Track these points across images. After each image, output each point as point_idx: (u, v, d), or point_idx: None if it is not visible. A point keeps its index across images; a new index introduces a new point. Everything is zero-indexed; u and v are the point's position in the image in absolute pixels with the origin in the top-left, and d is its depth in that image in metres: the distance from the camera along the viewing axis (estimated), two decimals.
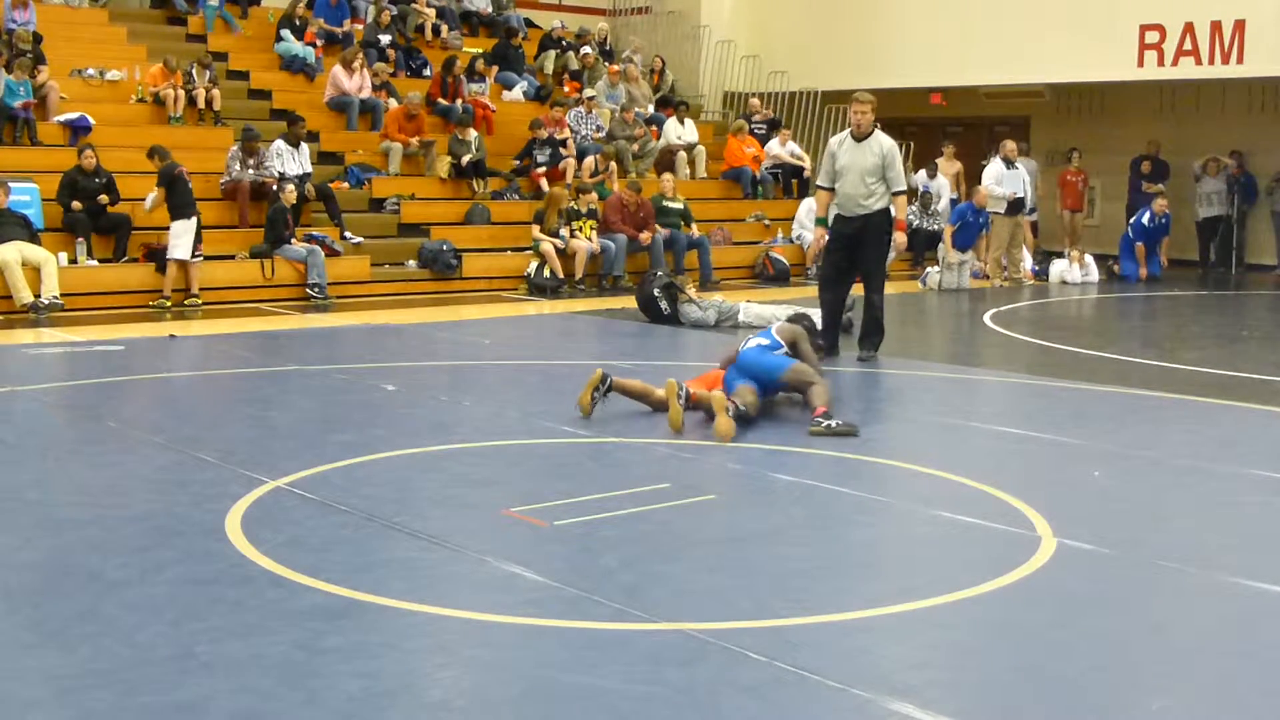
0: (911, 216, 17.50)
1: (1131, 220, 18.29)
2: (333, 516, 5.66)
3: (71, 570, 4.91)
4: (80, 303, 12.77)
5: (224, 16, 18.47)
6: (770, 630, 4.33)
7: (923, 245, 17.88)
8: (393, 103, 17.40)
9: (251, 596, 4.61)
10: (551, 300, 14.58)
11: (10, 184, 13.08)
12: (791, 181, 19.51)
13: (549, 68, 20.45)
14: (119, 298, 13.13)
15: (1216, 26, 17.50)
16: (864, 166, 10.18)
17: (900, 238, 10.76)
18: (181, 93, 15.94)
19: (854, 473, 6.64)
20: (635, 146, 18.29)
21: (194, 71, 16.22)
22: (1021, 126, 21.35)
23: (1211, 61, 17.64)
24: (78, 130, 14.84)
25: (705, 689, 3.86)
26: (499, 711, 3.78)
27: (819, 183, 10.70)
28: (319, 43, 18.27)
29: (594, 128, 18.37)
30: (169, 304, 13.09)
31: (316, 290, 13.92)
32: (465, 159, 16.50)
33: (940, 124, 21.72)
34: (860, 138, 10.28)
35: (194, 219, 13.19)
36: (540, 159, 16.94)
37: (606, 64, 20.49)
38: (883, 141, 10.29)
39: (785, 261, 17.33)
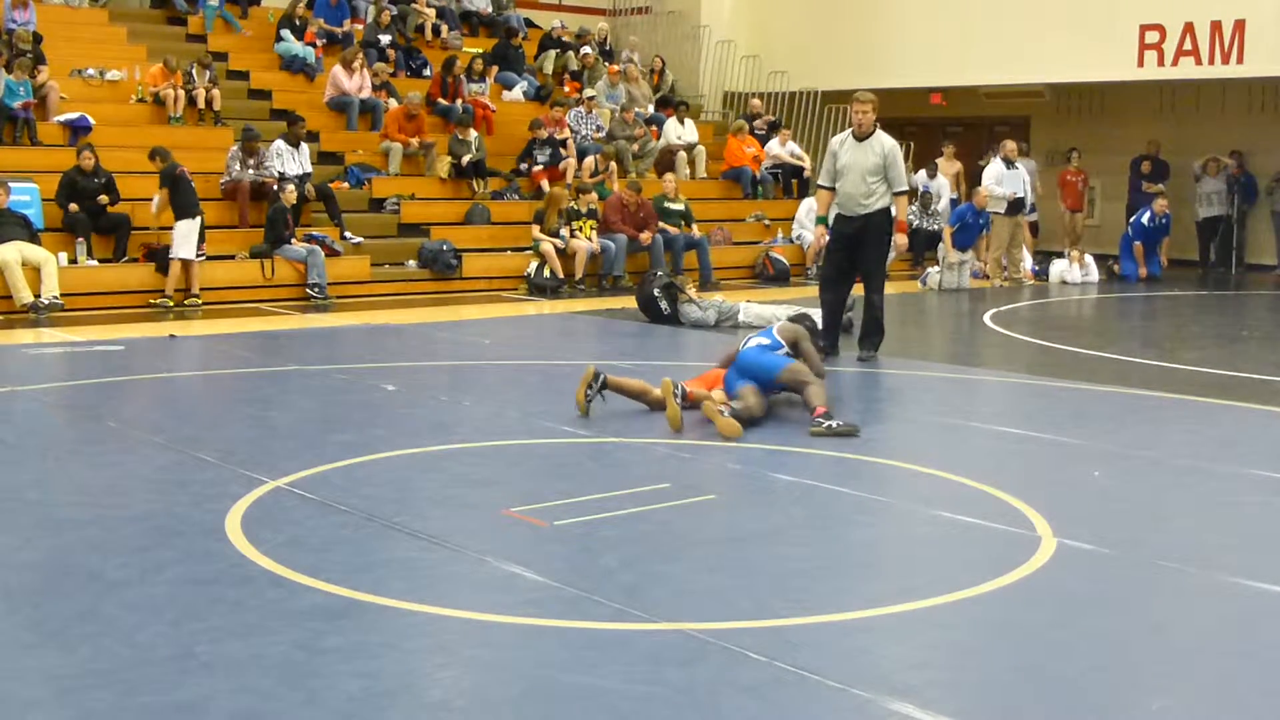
0: (911, 217, 17.49)
1: (1131, 220, 18.29)
2: (333, 516, 5.66)
3: (71, 570, 4.91)
4: (80, 303, 12.77)
5: (224, 16, 18.48)
6: (770, 630, 4.33)
7: (923, 245, 17.88)
8: (393, 103, 17.40)
9: (251, 596, 4.61)
10: (551, 300, 14.58)
11: (10, 184, 13.08)
12: (791, 181, 19.51)
13: (549, 68, 20.45)
14: (119, 298, 13.14)
15: (1216, 26, 17.50)
16: (865, 166, 10.18)
17: (901, 238, 10.77)
18: (181, 93, 15.94)
19: (854, 473, 6.64)
20: (635, 146, 18.29)
21: (194, 71, 16.22)
22: (1021, 126, 21.35)
23: (1211, 61, 17.64)
24: (78, 130, 14.84)
25: (705, 689, 3.86)
26: (499, 711, 3.78)
27: (820, 182, 10.70)
28: (319, 43, 18.27)
29: (594, 128, 18.38)
30: (171, 303, 13.10)
31: (316, 290, 13.93)
32: (465, 159, 16.50)
33: (940, 124, 21.72)
34: (862, 137, 10.29)
35: (198, 218, 13.22)
36: (540, 159, 16.95)
37: (606, 64, 20.49)
38: (884, 141, 10.29)
39: (785, 261, 17.33)
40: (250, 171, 14.71)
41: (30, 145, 14.63)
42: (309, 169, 15.23)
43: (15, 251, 12.55)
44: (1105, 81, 19.47)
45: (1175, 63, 17.97)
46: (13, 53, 15.03)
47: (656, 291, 12.55)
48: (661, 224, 16.25)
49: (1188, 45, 17.79)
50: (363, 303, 14.07)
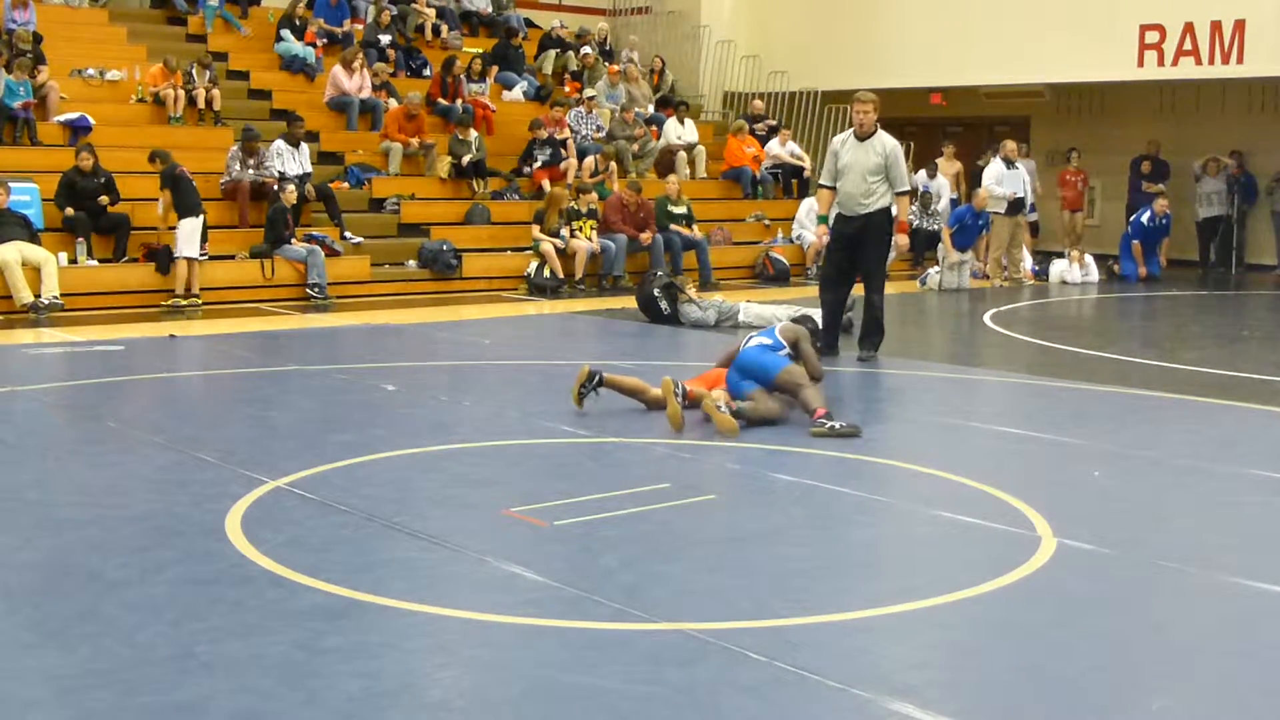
0: (912, 217, 17.48)
1: (1131, 220, 18.29)
2: (333, 516, 5.66)
3: (71, 570, 4.91)
4: (80, 303, 12.77)
5: (224, 16, 18.48)
6: (770, 630, 4.33)
7: (923, 245, 17.88)
8: (393, 103, 17.40)
9: (251, 596, 4.61)
10: (551, 300, 14.58)
11: (10, 184, 13.08)
12: (791, 181, 19.51)
13: (549, 68, 20.45)
14: (119, 298, 13.14)
15: (1216, 26, 17.50)
16: (866, 166, 10.19)
17: (903, 239, 10.78)
18: (181, 93, 15.94)
19: (854, 473, 6.64)
20: (635, 146, 18.29)
21: (194, 71, 16.22)
22: (1021, 126, 21.36)
23: (1211, 61, 17.64)
24: (78, 130, 14.84)
25: (705, 689, 3.86)
26: (499, 711, 3.78)
27: (821, 181, 10.71)
28: (319, 43, 18.27)
29: (594, 128, 18.38)
30: (184, 303, 13.11)
31: (316, 290, 13.93)
32: (465, 159, 16.50)
33: (940, 124, 21.72)
34: (863, 137, 10.29)
35: (201, 216, 13.24)
36: (540, 159, 16.95)
37: (606, 64, 20.49)
38: (885, 142, 10.29)
39: (785, 261, 17.33)
40: (250, 171, 14.71)
41: (30, 145, 14.63)
42: (309, 169, 15.23)
43: (15, 251, 12.56)
44: (1105, 81, 19.47)
45: (1175, 63, 17.97)
46: (13, 53, 15.03)
47: (656, 291, 12.55)
48: (671, 227, 16.25)
49: (1188, 45, 17.79)
50: (363, 303, 14.07)
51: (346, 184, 16.11)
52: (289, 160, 14.96)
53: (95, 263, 13.38)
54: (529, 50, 20.53)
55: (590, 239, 15.54)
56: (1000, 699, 3.90)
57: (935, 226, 17.76)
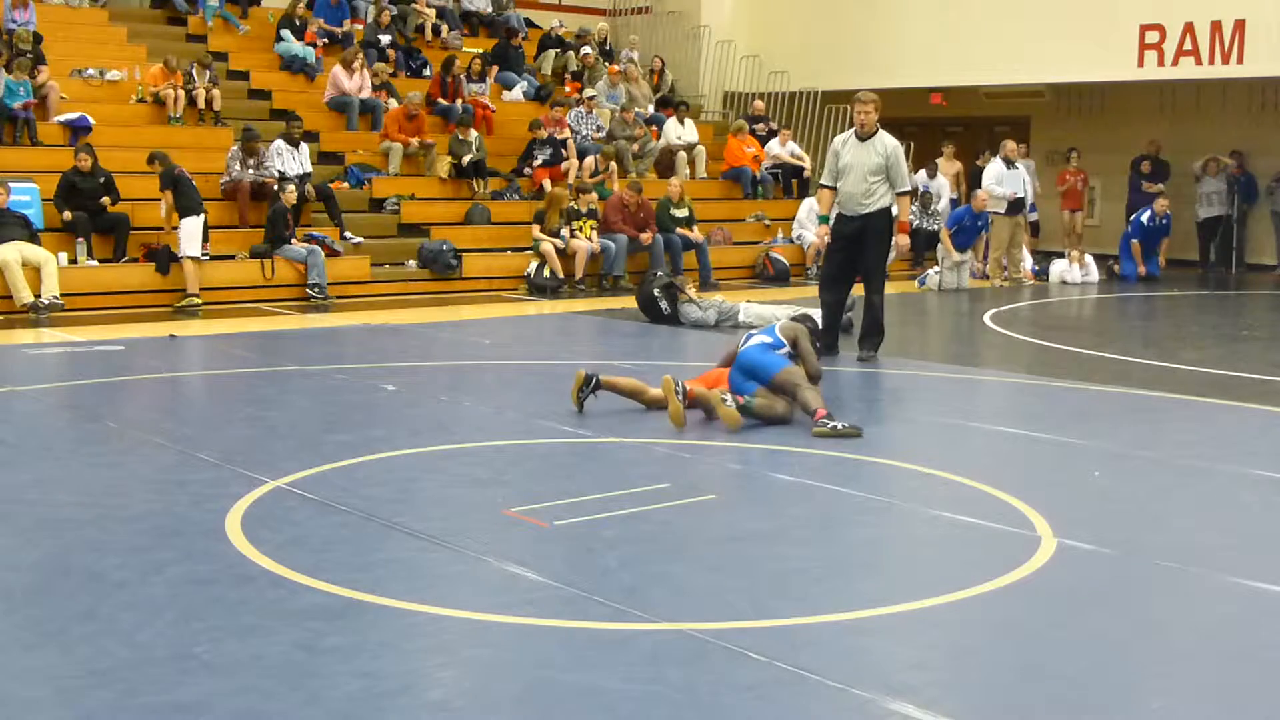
0: (912, 217, 17.48)
1: (1131, 220, 18.29)
2: (333, 516, 5.65)
3: (71, 570, 4.91)
4: (80, 303, 12.78)
5: (224, 16, 18.48)
6: (770, 630, 4.32)
7: (923, 245, 17.87)
8: (393, 103, 17.41)
9: (251, 596, 4.61)
10: (551, 300, 14.59)
11: (10, 184, 13.09)
12: (791, 181, 19.51)
13: (549, 68, 20.46)
14: (119, 298, 13.14)
15: (1216, 26, 17.50)
16: (867, 166, 10.19)
17: (904, 239, 10.78)
18: (181, 93, 15.94)
19: (854, 473, 6.64)
20: (635, 146, 18.29)
21: (194, 71, 16.22)
22: (1021, 126, 21.36)
23: (1211, 61, 17.65)
24: (78, 130, 14.84)
25: (705, 689, 3.86)
26: (499, 711, 3.78)
27: (822, 181, 10.71)
28: (319, 43, 18.28)
29: (594, 128, 18.38)
30: (199, 301, 13.12)
31: (316, 290, 13.93)
32: (465, 159, 16.50)
33: (940, 124, 21.72)
34: (864, 137, 10.29)
35: (202, 216, 13.25)
36: (540, 159, 16.95)
37: (606, 64, 20.50)
38: (886, 142, 10.30)
39: (785, 261, 17.33)
40: (250, 171, 14.71)
41: (30, 145, 14.63)
42: (309, 169, 15.23)
43: (15, 251, 12.56)
44: (1105, 81, 19.48)
45: (1175, 63, 17.98)
46: (13, 53, 15.04)
47: (656, 291, 12.55)
48: (677, 230, 16.25)
49: (1188, 45, 17.80)
50: (363, 303, 14.07)
51: (346, 184, 16.11)
52: (289, 160, 14.96)
53: (95, 263, 13.38)
54: (529, 50, 20.54)
55: (590, 239, 15.54)
56: (1000, 699, 3.90)
57: (935, 226, 17.76)
